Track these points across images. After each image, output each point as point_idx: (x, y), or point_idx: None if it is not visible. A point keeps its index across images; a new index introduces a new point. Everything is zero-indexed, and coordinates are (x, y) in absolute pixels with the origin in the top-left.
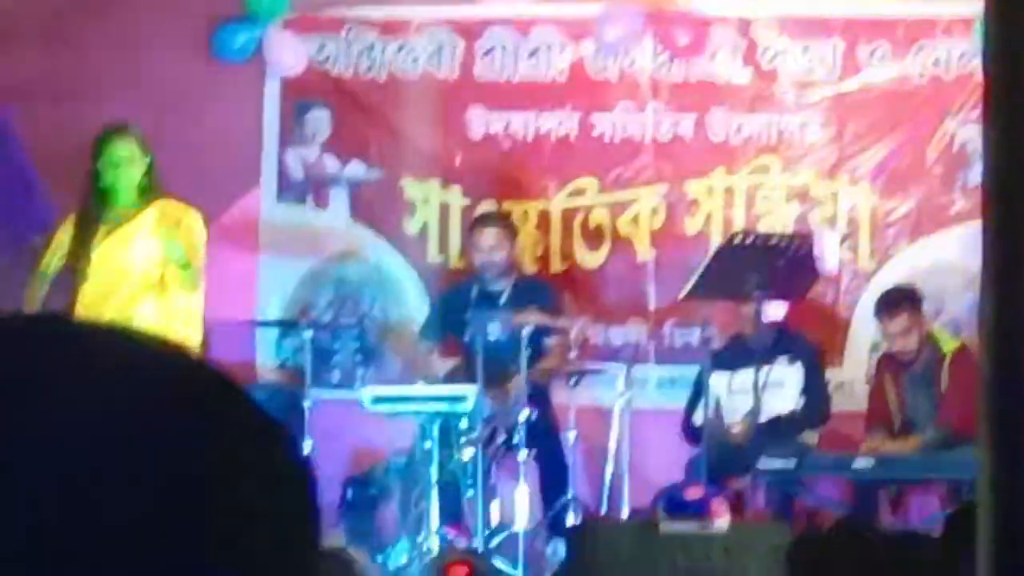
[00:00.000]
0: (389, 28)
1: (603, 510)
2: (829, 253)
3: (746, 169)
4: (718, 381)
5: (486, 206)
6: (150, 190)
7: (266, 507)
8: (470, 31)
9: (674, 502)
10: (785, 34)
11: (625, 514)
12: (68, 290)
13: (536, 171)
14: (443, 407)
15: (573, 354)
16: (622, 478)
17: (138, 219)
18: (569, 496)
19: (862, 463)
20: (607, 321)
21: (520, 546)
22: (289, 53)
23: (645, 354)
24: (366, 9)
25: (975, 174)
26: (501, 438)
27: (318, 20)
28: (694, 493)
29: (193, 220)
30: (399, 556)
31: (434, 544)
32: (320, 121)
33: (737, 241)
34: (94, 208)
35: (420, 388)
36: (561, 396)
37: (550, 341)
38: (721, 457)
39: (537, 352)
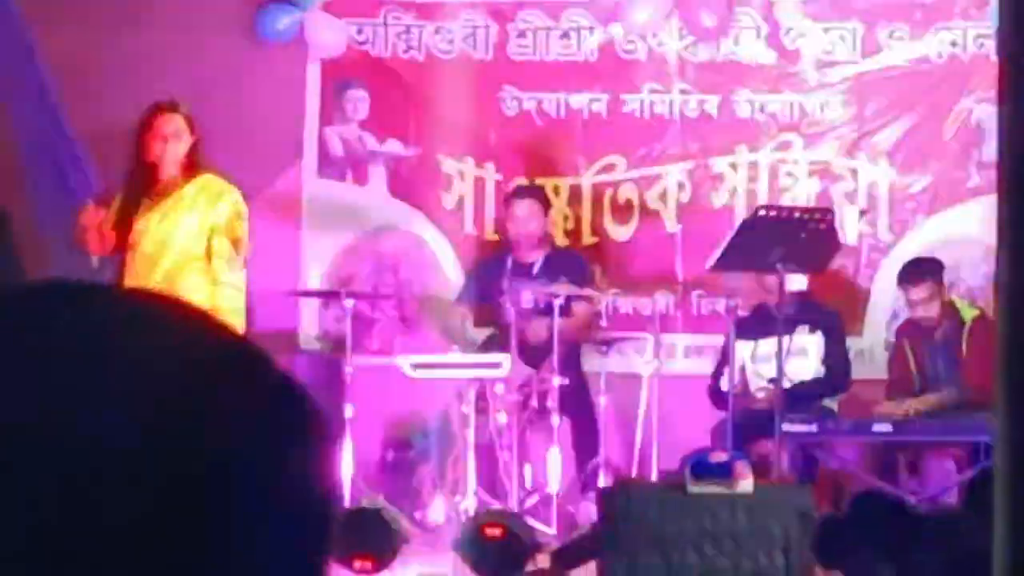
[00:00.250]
0: (425, 11)
1: (633, 472)
2: (849, 226)
3: (770, 146)
4: (743, 349)
5: (519, 182)
6: (194, 166)
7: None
8: (504, 14)
9: (701, 465)
10: (807, 16)
11: (654, 476)
12: (116, 260)
13: (567, 148)
14: (479, 373)
15: (604, 323)
16: (651, 442)
17: (182, 193)
18: (600, 459)
19: (881, 427)
20: (636, 291)
21: (553, 507)
22: (329, 35)
23: (673, 323)
24: None
25: (990, 150)
26: (534, 403)
27: (357, 3)
28: (720, 456)
29: (234, 197)
30: (436, 515)
31: (470, 505)
32: (359, 100)
33: (761, 215)
34: (140, 181)
35: (457, 355)
36: (592, 363)
37: (579, 309)
38: (746, 422)
39: (567, 319)
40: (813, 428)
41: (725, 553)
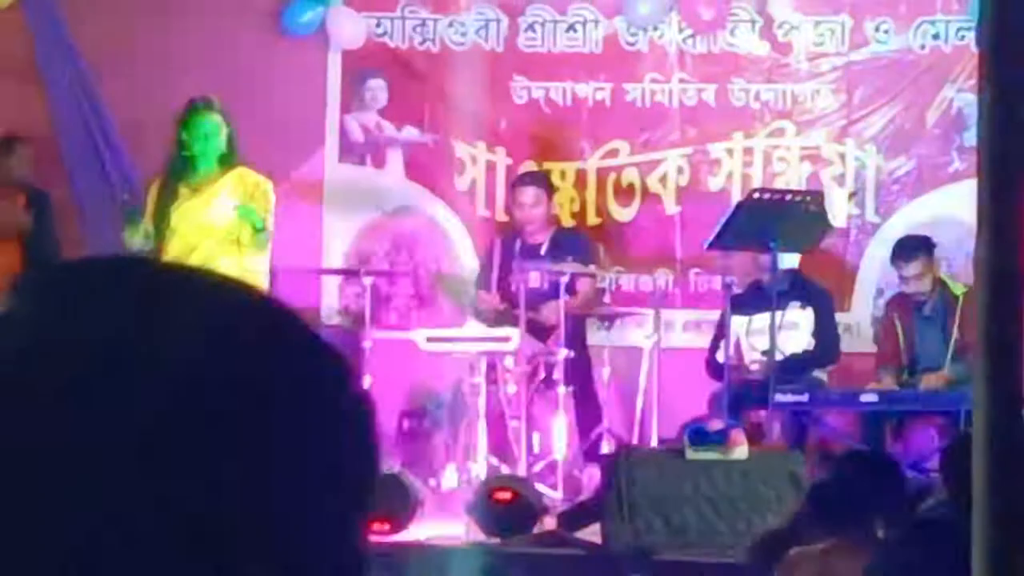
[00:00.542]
0: (440, 5)
1: (634, 439)
2: (838, 208)
3: (763, 132)
4: (738, 323)
5: (528, 166)
6: (229, 158)
7: (336, 435)
8: (514, 8)
9: (698, 432)
10: (799, 10)
11: (654, 443)
12: (153, 245)
13: (573, 134)
14: (490, 347)
15: (607, 299)
16: (651, 411)
17: (219, 184)
18: (603, 427)
19: (868, 397)
20: (638, 269)
21: (559, 472)
22: (350, 28)
23: (672, 299)
24: None
25: (971, 136)
26: (542, 375)
27: None
28: (716, 424)
29: (267, 187)
30: (449, 481)
31: (481, 470)
32: (378, 90)
33: (755, 197)
34: (179, 171)
35: (469, 329)
36: (596, 337)
37: (583, 285)
38: (741, 392)
39: (572, 296)
40: (804, 398)
41: (721, 515)
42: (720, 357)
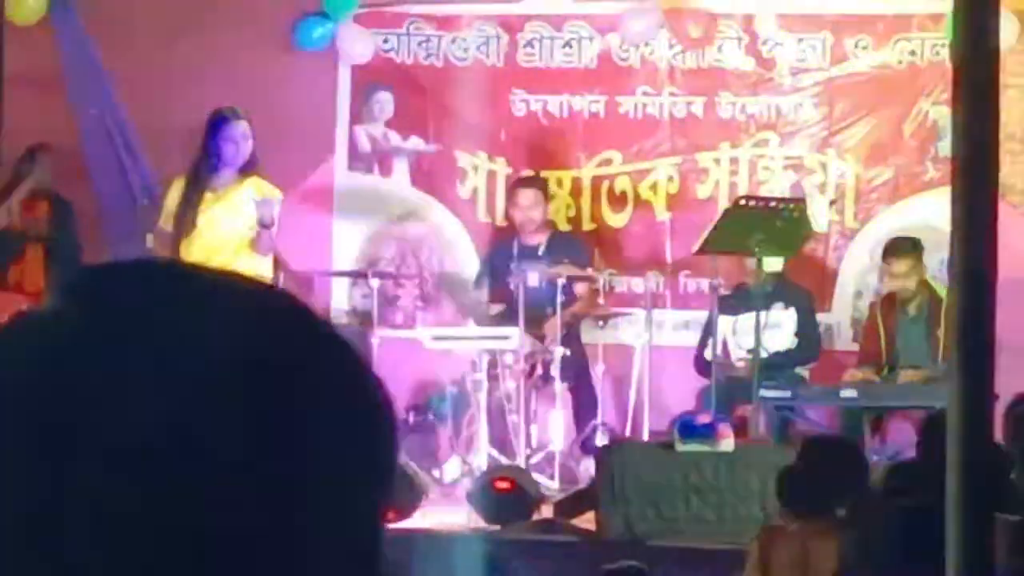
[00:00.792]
0: (444, 22)
1: (627, 432)
2: (820, 215)
3: (749, 143)
4: (725, 323)
5: (524, 173)
6: (250, 166)
7: (368, 421)
8: (513, 25)
9: (687, 426)
10: (782, 28)
11: (646, 436)
12: (173, 246)
13: (569, 145)
14: (491, 345)
15: (601, 300)
16: (643, 406)
17: (239, 190)
18: (598, 421)
19: (847, 393)
20: (630, 272)
21: (556, 463)
22: (359, 44)
23: (662, 300)
24: (425, 6)
25: (945, 147)
26: (540, 371)
27: (384, 15)
28: (704, 418)
29: (278, 196)
30: (452, 472)
31: (482, 461)
32: (385, 102)
33: (741, 204)
34: (204, 176)
35: (471, 329)
36: (591, 336)
37: (581, 289)
38: (728, 388)
39: (570, 298)
40: (787, 394)
41: (709, 504)
42: (708, 355)
